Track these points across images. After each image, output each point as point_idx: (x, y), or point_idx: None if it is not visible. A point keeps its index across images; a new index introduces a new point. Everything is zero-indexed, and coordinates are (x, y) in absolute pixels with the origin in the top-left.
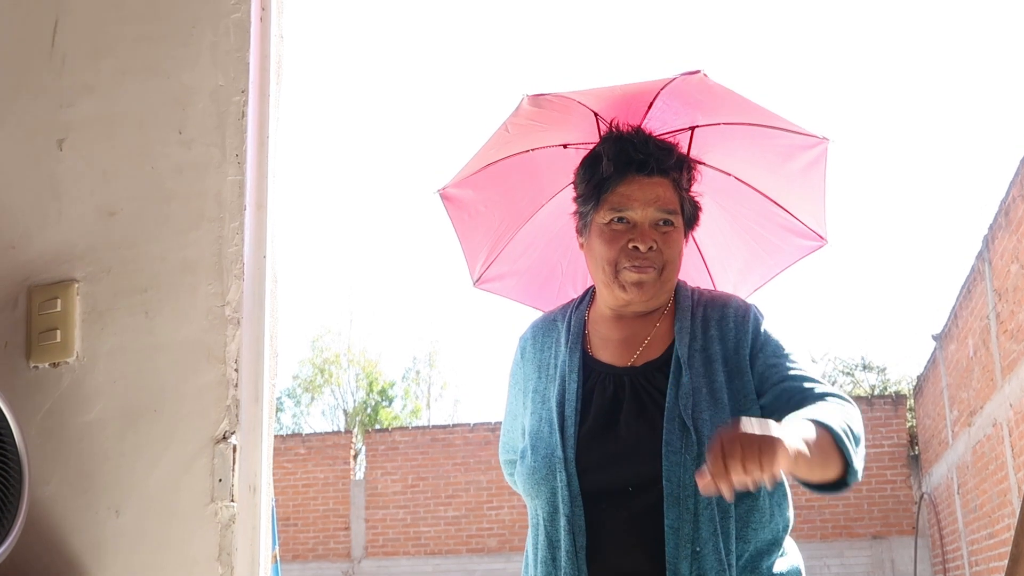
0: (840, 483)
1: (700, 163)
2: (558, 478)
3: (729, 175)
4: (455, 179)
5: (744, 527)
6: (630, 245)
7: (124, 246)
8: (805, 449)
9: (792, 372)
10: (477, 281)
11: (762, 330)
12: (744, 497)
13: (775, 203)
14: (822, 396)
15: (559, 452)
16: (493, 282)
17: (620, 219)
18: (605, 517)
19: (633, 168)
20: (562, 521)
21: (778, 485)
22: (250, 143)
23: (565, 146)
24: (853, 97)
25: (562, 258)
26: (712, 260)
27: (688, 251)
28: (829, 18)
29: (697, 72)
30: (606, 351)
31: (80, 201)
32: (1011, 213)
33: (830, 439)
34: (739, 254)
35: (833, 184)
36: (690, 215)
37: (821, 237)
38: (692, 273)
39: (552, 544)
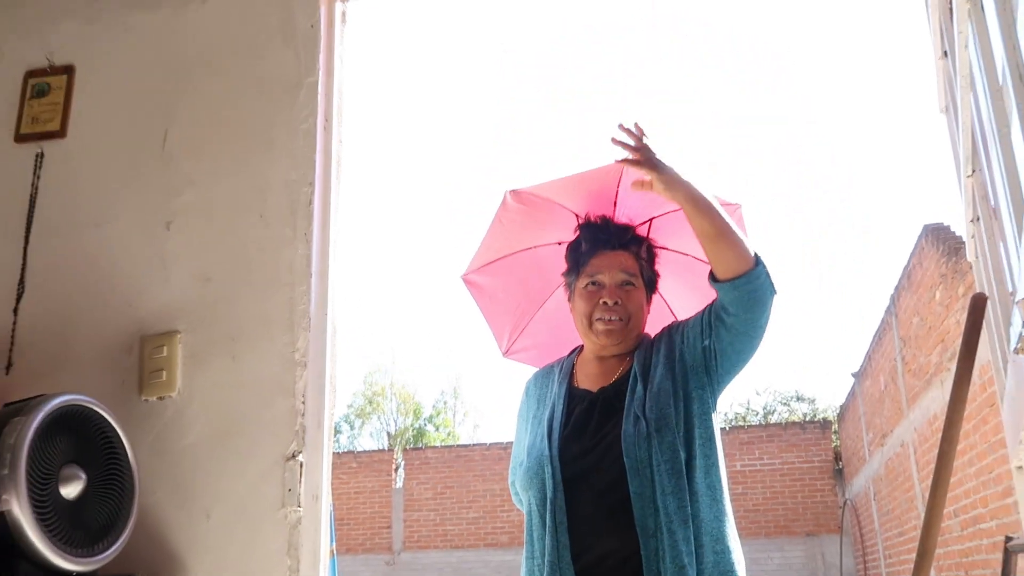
0: (760, 272)
1: (663, 248)
2: (545, 470)
3: (687, 255)
4: (473, 266)
5: (692, 496)
6: (600, 301)
7: (216, 305)
8: (692, 187)
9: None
10: (506, 353)
11: (674, 325)
12: (684, 475)
13: None
14: None
15: (546, 452)
16: (519, 353)
17: (593, 283)
18: (582, 497)
19: (601, 244)
20: (547, 504)
21: (710, 471)
22: (316, 224)
23: (560, 243)
24: (793, 172)
25: (571, 331)
26: (679, 312)
27: (662, 311)
28: (753, 104)
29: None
30: (587, 382)
31: (182, 269)
32: (912, 277)
33: (727, 224)
34: (697, 305)
35: (775, 251)
36: (649, 279)
37: None
38: (661, 321)
39: (543, 522)
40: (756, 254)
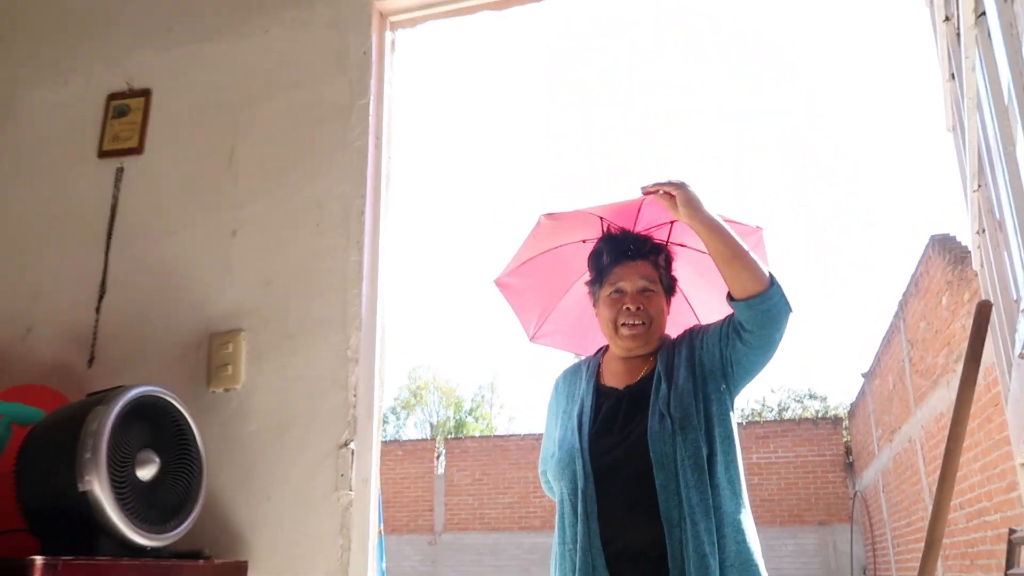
0: (774, 293)
1: (682, 245)
2: (577, 463)
3: (705, 252)
4: (504, 271)
5: (714, 489)
6: (624, 307)
7: (277, 306)
8: (709, 213)
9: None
10: (532, 338)
11: (695, 330)
12: (706, 470)
13: None
14: None
15: (577, 445)
16: (544, 338)
17: (616, 291)
18: (611, 488)
19: (622, 255)
20: (579, 494)
21: (730, 467)
22: (367, 234)
23: (584, 241)
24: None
25: (591, 319)
26: (698, 308)
27: (683, 307)
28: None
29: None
30: (613, 379)
31: (246, 274)
32: (919, 284)
33: (742, 247)
34: (716, 302)
35: (789, 265)
36: (667, 284)
37: None
38: (681, 318)
39: (575, 510)
40: (771, 275)
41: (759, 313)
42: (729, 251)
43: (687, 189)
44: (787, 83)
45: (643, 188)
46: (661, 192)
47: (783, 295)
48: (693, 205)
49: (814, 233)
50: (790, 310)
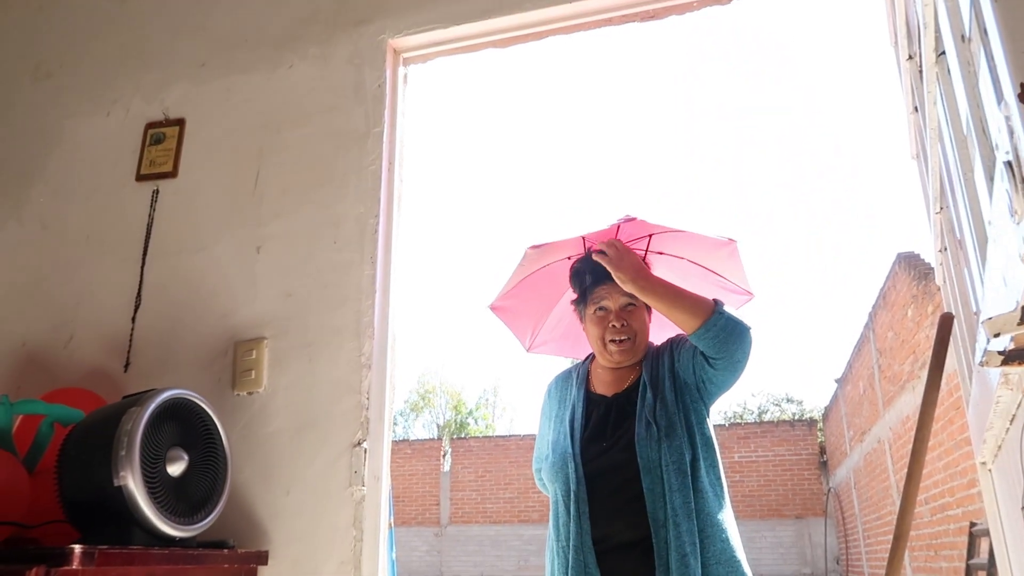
0: (716, 321)
1: (661, 253)
2: (569, 467)
3: (681, 258)
4: (497, 297)
5: (697, 492)
6: (610, 324)
7: (297, 316)
8: (639, 280)
9: None
10: (529, 348)
11: (676, 341)
12: (688, 475)
13: (714, 272)
14: None
15: (570, 450)
16: (539, 347)
17: (601, 308)
18: (601, 491)
19: (602, 275)
20: (572, 495)
21: (710, 470)
22: (380, 250)
23: (569, 258)
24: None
25: (580, 327)
26: None
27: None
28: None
29: (634, 219)
30: (602, 387)
31: (269, 287)
32: (888, 297)
33: (690, 295)
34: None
35: (767, 279)
36: None
37: (749, 293)
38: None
39: (568, 511)
40: (715, 302)
41: (709, 340)
42: (664, 303)
43: (619, 268)
44: (786, 79)
45: (594, 253)
46: (601, 254)
47: (729, 318)
48: (623, 280)
49: (813, 229)
50: (743, 328)
